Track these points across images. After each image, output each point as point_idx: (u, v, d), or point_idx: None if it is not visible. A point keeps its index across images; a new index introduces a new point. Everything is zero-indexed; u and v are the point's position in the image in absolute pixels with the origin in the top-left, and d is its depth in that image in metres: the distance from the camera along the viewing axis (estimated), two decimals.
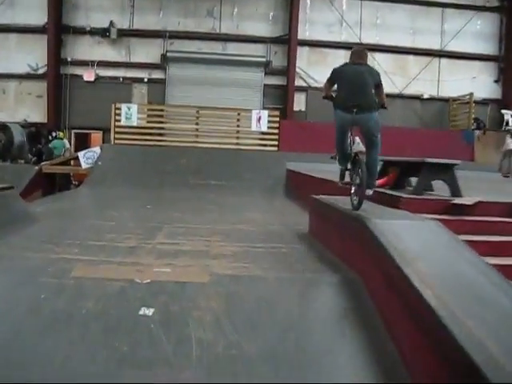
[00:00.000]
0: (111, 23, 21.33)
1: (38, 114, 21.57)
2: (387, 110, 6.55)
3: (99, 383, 3.38)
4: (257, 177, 15.66)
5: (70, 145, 21.04)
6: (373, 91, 6.28)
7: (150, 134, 18.76)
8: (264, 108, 20.74)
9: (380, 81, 6.38)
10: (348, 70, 6.42)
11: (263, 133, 18.94)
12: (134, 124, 18.55)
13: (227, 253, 6.23)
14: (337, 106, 6.40)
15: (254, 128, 18.63)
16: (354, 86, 6.20)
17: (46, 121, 21.30)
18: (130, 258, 5.71)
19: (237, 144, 18.73)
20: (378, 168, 6.95)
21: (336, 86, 6.57)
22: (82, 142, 21.61)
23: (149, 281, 4.80)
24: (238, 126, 18.99)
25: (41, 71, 21.54)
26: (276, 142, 18.73)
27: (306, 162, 16.21)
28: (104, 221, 8.42)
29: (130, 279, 4.82)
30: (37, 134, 19.43)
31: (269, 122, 18.72)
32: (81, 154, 16.98)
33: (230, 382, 3.50)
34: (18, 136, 18.80)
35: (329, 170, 15.01)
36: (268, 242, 7.15)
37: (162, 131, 19.34)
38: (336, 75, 6.52)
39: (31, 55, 21.45)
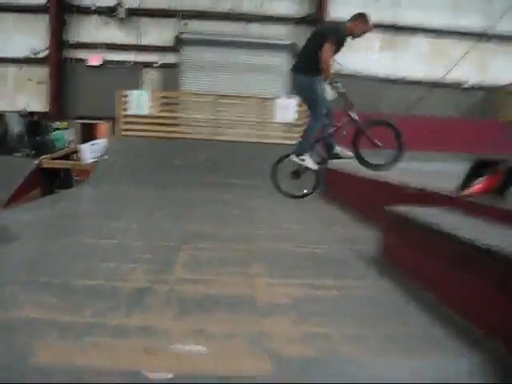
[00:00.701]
0: (119, 1, 19.31)
1: (38, 103, 19.61)
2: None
3: None
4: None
5: (75, 136, 18.95)
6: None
7: (163, 125, 16.61)
8: (290, 96, 18.54)
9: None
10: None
11: (290, 124, 16.74)
12: (145, 113, 16.41)
13: (283, 301, 4.11)
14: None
15: (280, 118, 16.43)
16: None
17: (47, 109, 19.26)
18: (134, 317, 3.60)
19: (260, 136, 16.56)
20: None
21: None
22: (89, 134, 19.60)
23: (169, 376, 2.73)
24: (261, 116, 16.78)
25: (42, 55, 19.58)
26: None
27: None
28: (103, 238, 6.31)
29: (134, 371, 2.75)
30: (37, 124, 17.35)
31: (297, 112, 16.50)
32: (85, 147, 14.95)
33: None
34: (16, 126, 16.97)
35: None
36: (333, 274, 5.07)
37: (175, 121, 17.19)
38: None
39: (31, 38, 19.55)
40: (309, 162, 6.70)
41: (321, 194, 12.33)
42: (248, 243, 6.42)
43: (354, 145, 6.59)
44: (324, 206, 10.73)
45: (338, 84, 6.64)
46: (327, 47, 5.97)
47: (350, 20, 6.69)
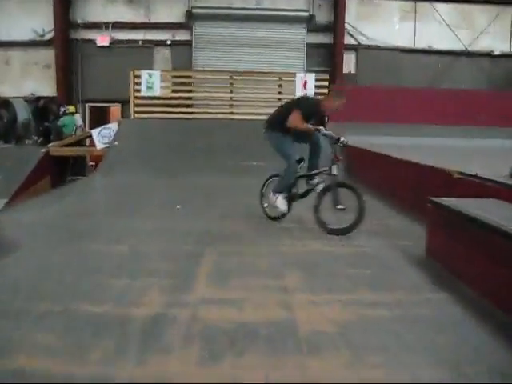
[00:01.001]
0: None
1: (46, 87, 18.81)
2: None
3: None
4: (307, 155, 12.65)
5: (84, 120, 18.17)
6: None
7: (176, 106, 15.76)
8: (308, 71, 17.61)
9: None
10: None
11: None
12: (157, 94, 15.55)
13: (330, 329, 3.33)
14: None
15: (299, 95, 15.50)
16: None
17: (55, 94, 18.45)
18: (148, 365, 2.84)
19: None
20: None
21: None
22: (100, 117, 18.81)
23: None
24: (279, 92, 15.85)
25: (48, 37, 18.73)
26: None
27: (365, 136, 13.25)
28: (112, 243, 5.54)
29: None
30: (44, 109, 16.57)
31: (316, 87, 15.56)
32: (95, 132, 14.19)
33: None
34: (23, 113, 16.26)
35: (403, 145, 12.25)
36: (381, 283, 4.28)
37: (189, 102, 16.32)
38: None
39: (36, 19, 18.71)
40: (279, 202, 6.68)
41: (349, 177, 11.52)
42: (277, 242, 5.62)
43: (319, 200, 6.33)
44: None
45: (327, 132, 6.90)
46: (294, 113, 6.49)
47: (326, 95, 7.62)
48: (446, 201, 4.84)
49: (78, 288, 4.03)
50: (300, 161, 6.89)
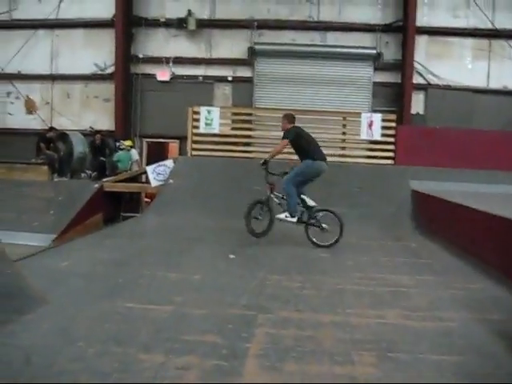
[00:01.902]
0: (189, 12, 18.08)
1: (105, 121, 18.66)
2: None
3: None
4: (373, 201, 11.82)
5: (141, 156, 17.79)
6: None
7: (235, 144, 15.16)
8: (374, 110, 16.78)
9: None
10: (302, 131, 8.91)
11: (375, 142, 14.95)
12: (216, 131, 15.00)
13: None
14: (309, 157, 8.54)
15: (364, 136, 14.66)
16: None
17: (113, 128, 18.21)
18: None
19: (342, 156, 14.83)
20: None
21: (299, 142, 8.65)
22: (157, 153, 18.41)
23: None
24: (343, 133, 15.05)
25: (109, 71, 18.60)
26: (392, 154, 14.65)
27: (436, 181, 12.30)
28: (152, 302, 4.78)
29: None
30: (101, 143, 16.25)
31: (382, 128, 14.70)
32: (150, 169, 13.67)
33: None
34: (79, 146, 16.02)
35: (478, 193, 11.21)
36: (477, 379, 3.34)
37: (249, 140, 15.69)
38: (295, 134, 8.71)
39: (98, 53, 18.73)
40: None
41: (418, 228, 10.58)
42: (344, 311, 4.74)
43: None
44: (425, 244, 8.90)
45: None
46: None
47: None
48: None
49: (100, 366, 3.27)
50: None
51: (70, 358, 3.37)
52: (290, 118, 8.98)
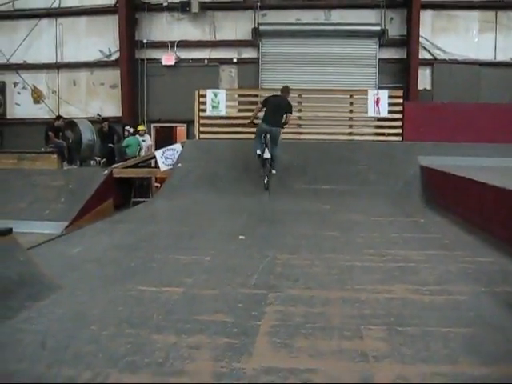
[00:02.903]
0: None
1: (112, 107, 18.74)
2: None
3: None
4: (382, 178, 11.83)
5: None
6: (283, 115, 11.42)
7: (243, 126, 15.14)
8: (380, 87, 16.71)
9: (289, 110, 11.68)
10: (272, 99, 11.64)
11: (382, 119, 14.90)
12: (222, 114, 15.01)
13: None
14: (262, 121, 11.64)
15: (371, 113, 14.62)
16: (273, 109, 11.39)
17: (121, 114, 18.25)
18: None
19: (350, 134, 14.80)
20: None
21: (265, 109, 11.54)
22: (165, 138, 18.47)
23: None
24: (350, 111, 15.00)
25: (114, 57, 18.63)
26: (400, 130, 14.60)
27: (444, 156, 12.27)
28: (164, 284, 4.84)
29: None
30: (109, 130, 16.32)
31: (389, 104, 14.65)
32: (158, 154, 13.75)
33: None
34: (88, 134, 16.11)
35: (488, 167, 11.17)
36: (487, 351, 3.35)
37: (256, 121, 15.64)
38: (265, 101, 11.70)
39: (102, 40, 18.82)
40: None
41: (427, 203, 10.59)
42: (353, 287, 4.78)
43: None
44: (435, 220, 8.90)
45: None
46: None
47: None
48: None
49: (113, 348, 3.32)
50: None
51: (84, 341, 3.43)
52: (282, 88, 12.04)
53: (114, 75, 18.56)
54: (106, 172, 13.41)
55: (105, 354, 3.24)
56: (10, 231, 4.59)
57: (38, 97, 19.21)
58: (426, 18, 17.71)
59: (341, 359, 3.21)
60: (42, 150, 15.28)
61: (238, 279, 5.00)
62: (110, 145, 15.92)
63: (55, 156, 14.77)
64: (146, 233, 7.63)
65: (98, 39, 18.62)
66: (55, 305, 4.18)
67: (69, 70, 19.02)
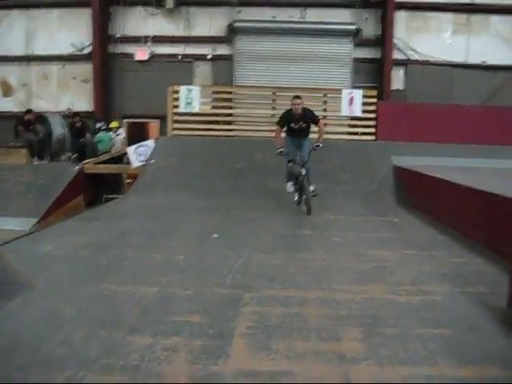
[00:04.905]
0: None
1: (83, 102, 18.49)
2: None
3: None
4: (356, 177, 11.85)
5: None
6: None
7: (216, 123, 15.06)
8: (354, 87, 16.75)
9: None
10: None
11: (356, 118, 14.93)
12: (196, 110, 14.88)
13: None
14: None
15: (345, 112, 14.64)
16: None
17: (93, 109, 18.00)
18: None
19: (324, 133, 14.76)
20: None
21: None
22: (138, 134, 18.17)
23: None
24: (324, 110, 14.99)
25: (86, 51, 18.33)
26: (373, 130, 14.66)
27: (416, 156, 12.37)
28: (138, 283, 4.75)
29: None
30: (80, 124, 16.04)
31: (363, 104, 14.69)
32: (131, 150, 13.56)
33: None
34: (58, 128, 15.74)
35: (458, 167, 11.26)
36: (463, 352, 3.36)
37: (230, 118, 15.59)
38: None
39: (75, 33, 18.54)
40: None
41: (401, 203, 10.65)
42: (329, 287, 4.75)
43: None
44: (410, 222, 8.92)
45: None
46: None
47: None
48: None
49: (87, 350, 3.25)
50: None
51: (56, 343, 3.35)
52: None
53: (86, 69, 18.28)
54: (77, 168, 13.17)
55: (78, 356, 3.17)
56: None
57: (7, 90, 18.82)
58: (401, 18, 17.85)
59: (319, 361, 3.19)
60: (11, 144, 14.97)
61: (213, 278, 4.94)
62: (82, 140, 15.65)
63: (25, 151, 14.49)
64: (119, 230, 7.49)
65: (70, 32, 18.30)
66: (27, 305, 4.09)
67: (40, 62, 18.64)
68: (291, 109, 9.22)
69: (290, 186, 9.43)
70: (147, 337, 3.47)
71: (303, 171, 9.01)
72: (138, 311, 4.00)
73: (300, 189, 9.21)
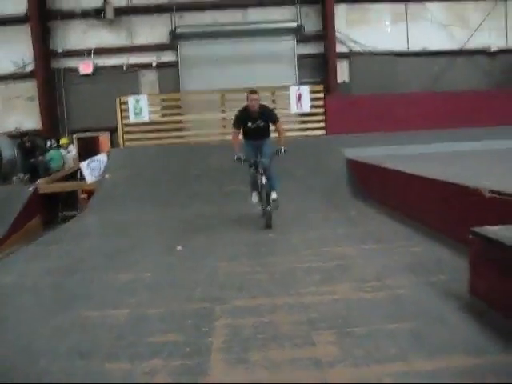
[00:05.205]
0: (105, 1, 17.75)
1: (31, 120, 18.20)
2: None
3: None
4: (310, 174, 12.03)
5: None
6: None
7: (167, 131, 15.07)
8: (301, 83, 16.97)
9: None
10: None
11: (305, 114, 15.14)
12: (146, 120, 14.88)
13: None
14: None
15: (294, 109, 14.83)
16: None
17: (41, 127, 17.74)
18: None
19: (274, 131, 14.91)
20: None
21: None
22: (89, 148, 18.03)
23: None
24: (274, 108, 15.10)
25: (29, 68, 18.07)
26: (322, 125, 14.93)
27: (368, 147, 12.65)
28: (108, 307, 4.76)
29: None
30: (30, 144, 15.81)
31: (311, 99, 14.93)
32: (83, 165, 13.42)
33: None
34: (7, 150, 15.44)
35: (406, 155, 11.52)
36: (432, 345, 3.48)
37: (180, 125, 15.59)
38: None
39: (15, 51, 18.09)
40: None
41: (356, 195, 10.86)
42: (297, 291, 4.85)
43: None
44: (366, 214, 9.11)
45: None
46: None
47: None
48: (491, 231, 4.10)
49: (65, 381, 3.27)
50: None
51: (35, 377, 3.36)
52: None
53: (30, 87, 18.00)
54: (31, 188, 12.98)
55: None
56: None
57: None
58: (341, 12, 18.14)
59: (296, 368, 3.28)
60: None
61: (182, 293, 4.99)
62: (33, 160, 15.43)
63: None
64: (81, 252, 7.43)
65: (9, 50, 17.89)
66: None
67: None
68: (247, 106, 8.14)
69: (254, 197, 8.45)
70: (125, 362, 3.50)
71: (263, 180, 8.07)
72: (113, 336, 4.01)
73: (261, 199, 8.26)
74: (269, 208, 8.10)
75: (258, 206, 8.46)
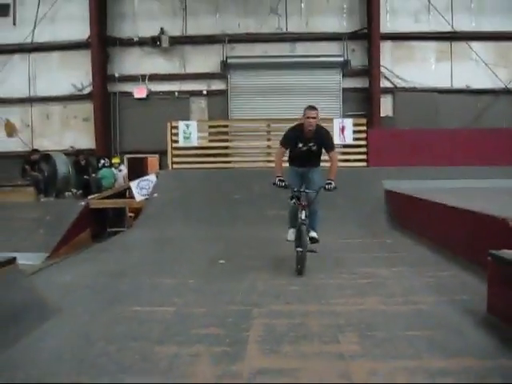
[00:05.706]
0: (162, 30, 18.72)
1: (85, 140, 19.10)
2: None
3: None
4: (350, 202, 12.39)
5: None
6: None
7: (214, 156, 15.74)
8: (344, 116, 17.48)
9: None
10: None
11: (348, 145, 15.61)
12: (194, 144, 15.60)
13: None
14: None
15: (337, 141, 15.28)
16: None
17: (94, 146, 18.65)
18: None
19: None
20: None
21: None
22: (138, 169, 18.84)
23: None
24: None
25: (86, 91, 19.07)
26: (364, 157, 15.38)
27: (407, 179, 13.00)
28: (157, 304, 5.31)
29: None
30: (85, 162, 16.72)
31: (354, 132, 15.40)
32: (134, 184, 14.12)
33: None
34: (63, 166, 16.28)
35: (447, 189, 11.86)
36: (446, 348, 3.91)
37: (227, 151, 16.26)
38: None
39: (75, 74, 19.16)
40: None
41: (393, 225, 11.22)
42: (328, 301, 5.32)
43: None
44: (401, 242, 9.51)
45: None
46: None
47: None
48: (508, 254, 4.52)
49: (122, 359, 3.80)
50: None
51: (95, 355, 3.90)
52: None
53: (86, 108, 18.96)
54: (83, 203, 13.71)
55: (115, 363, 3.72)
56: (13, 260, 5.03)
57: (10, 130, 19.46)
58: (386, 48, 18.61)
59: (322, 359, 3.75)
60: (19, 183, 15.56)
61: (224, 298, 5.51)
62: (86, 177, 16.29)
63: (31, 189, 15.06)
64: (130, 260, 8.09)
65: (70, 73, 18.96)
66: (60, 326, 4.64)
67: (42, 103, 19.31)
68: (301, 124, 6.82)
69: (290, 235, 7.05)
70: (173, 347, 4.02)
71: (303, 215, 6.71)
72: (161, 327, 4.55)
73: (297, 238, 6.72)
74: (304, 250, 6.57)
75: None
